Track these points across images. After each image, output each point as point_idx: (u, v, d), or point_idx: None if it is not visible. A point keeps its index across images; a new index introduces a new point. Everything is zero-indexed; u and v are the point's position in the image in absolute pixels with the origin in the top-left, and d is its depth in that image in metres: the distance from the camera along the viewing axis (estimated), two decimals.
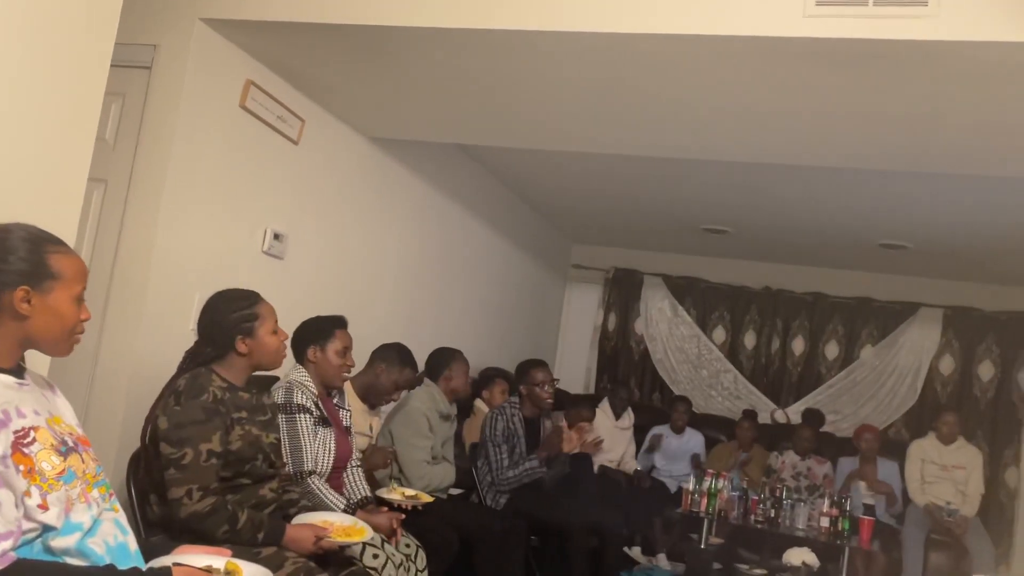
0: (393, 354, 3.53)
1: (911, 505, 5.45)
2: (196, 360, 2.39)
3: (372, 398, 3.51)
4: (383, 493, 3.16)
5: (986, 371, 6.48)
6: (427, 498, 3.23)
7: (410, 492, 3.24)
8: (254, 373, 2.48)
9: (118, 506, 1.71)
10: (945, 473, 5.46)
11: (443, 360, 3.94)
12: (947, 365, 6.59)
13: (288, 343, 2.57)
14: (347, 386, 3.27)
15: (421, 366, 3.86)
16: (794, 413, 6.74)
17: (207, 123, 3.15)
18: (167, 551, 1.80)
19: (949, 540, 5.19)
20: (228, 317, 2.40)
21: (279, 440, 2.55)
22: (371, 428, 3.51)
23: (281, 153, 3.59)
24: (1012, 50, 2.31)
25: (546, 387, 4.26)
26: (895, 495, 5.54)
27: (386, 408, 3.79)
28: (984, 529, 5.29)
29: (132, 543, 1.69)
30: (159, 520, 2.27)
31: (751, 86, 2.88)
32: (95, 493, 1.63)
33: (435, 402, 3.81)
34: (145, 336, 2.95)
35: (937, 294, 6.64)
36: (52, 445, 1.56)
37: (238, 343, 2.37)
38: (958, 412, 5.86)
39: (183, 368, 2.38)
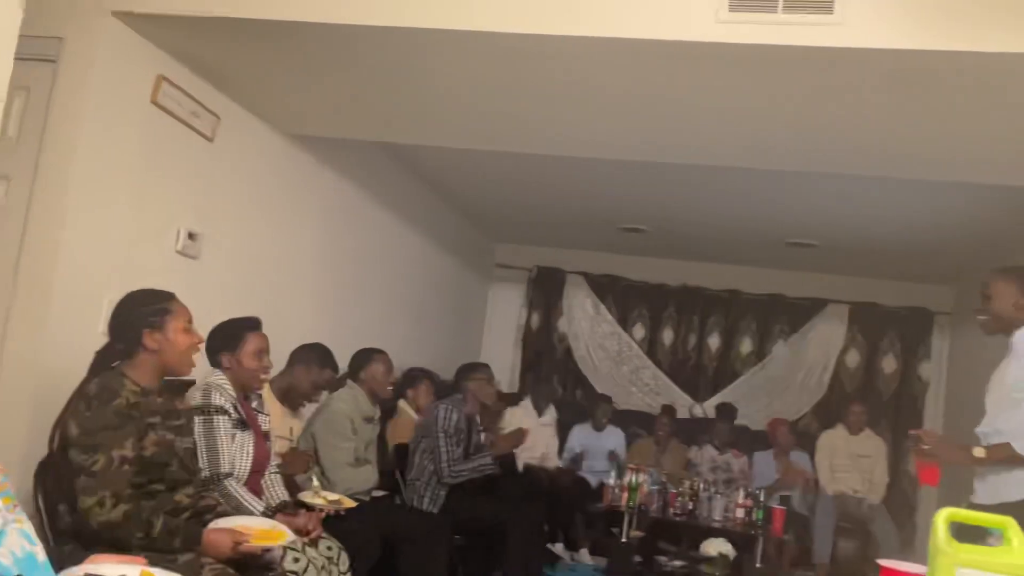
0: (312, 355, 3.49)
1: (821, 494, 5.68)
2: (106, 358, 2.33)
3: (292, 400, 3.46)
4: (305, 497, 3.11)
5: (889, 364, 6.79)
6: (349, 503, 3.19)
7: (332, 497, 3.20)
8: (167, 377, 2.42)
9: (23, 517, 1.65)
10: (853, 462, 5.71)
11: (365, 361, 3.91)
12: (853, 359, 6.89)
13: (203, 347, 2.50)
14: (265, 389, 3.22)
15: (343, 367, 3.83)
16: (711, 408, 6.93)
17: (116, 119, 3.05)
18: (79, 560, 1.75)
19: (856, 527, 5.43)
20: (138, 311, 2.34)
21: (195, 445, 2.49)
22: (291, 431, 3.46)
23: (195, 150, 3.51)
24: (912, 57, 2.44)
25: (491, 388, 4.47)
26: (815, 482, 5.77)
27: (307, 411, 3.74)
28: (888, 515, 5.54)
29: (40, 553, 1.64)
30: (70, 529, 2.19)
31: (666, 89, 2.95)
32: None
33: (358, 403, 3.79)
34: (52, 339, 2.84)
35: (843, 291, 6.92)
36: None
37: (146, 337, 2.31)
38: (865, 404, 6.14)
39: (94, 369, 2.31)
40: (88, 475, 2.11)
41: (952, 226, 5.09)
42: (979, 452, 2.61)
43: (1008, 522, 1.23)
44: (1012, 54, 2.34)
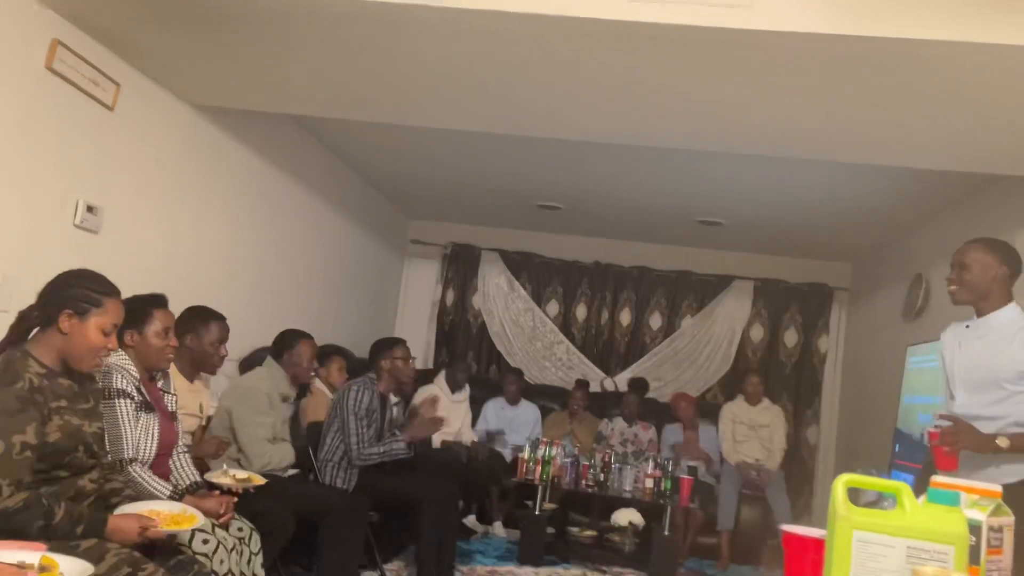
0: (193, 319, 3.35)
1: (724, 463, 5.89)
2: (23, 323, 2.24)
3: (203, 367, 3.36)
4: (213, 477, 3.04)
5: (790, 338, 7.07)
6: (259, 480, 3.13)
7: (241, 475, 3.13)
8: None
9: None
10: (753, 432, 5.94)
11: (291, 342, 3.84)
12: (757, 333, 7.13)
13: (110, 354, 2.37)
14: (171, 367, 3.11)
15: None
16: (622, 381, 7.07)
17: (7, 85, 2.88)
18: None
19: (758, 495, 5.66)
20: (72, 288, 2.24)
21: (103, 430, 2.40)
22: (201, 408, 3.37)
23: (94, 119, 3.35)
24: (818, 41, 2.52)
25: (409, 363, 4.33)
26: (711, 458, 5.97)
27: (217, 387, 3.65)
28: (784, 483, 5.79)
29: None
30: None
31: (576, 66, 2.97)
32: None
33: (275, 381, 3.72)
34: None
35: (748, 267, 7.15)
36: None
37: (63, 318, 2.21)
38: (763, 375, 6.38)
39: (9, 336, 2.22)
40: None
41: (850, 206, 5.31)
42: (1003, 442, 2.54)
43: (902, 487, 1.30)
44: (916, 40, 2.44)
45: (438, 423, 4.34)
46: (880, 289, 6.20)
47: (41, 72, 3.02)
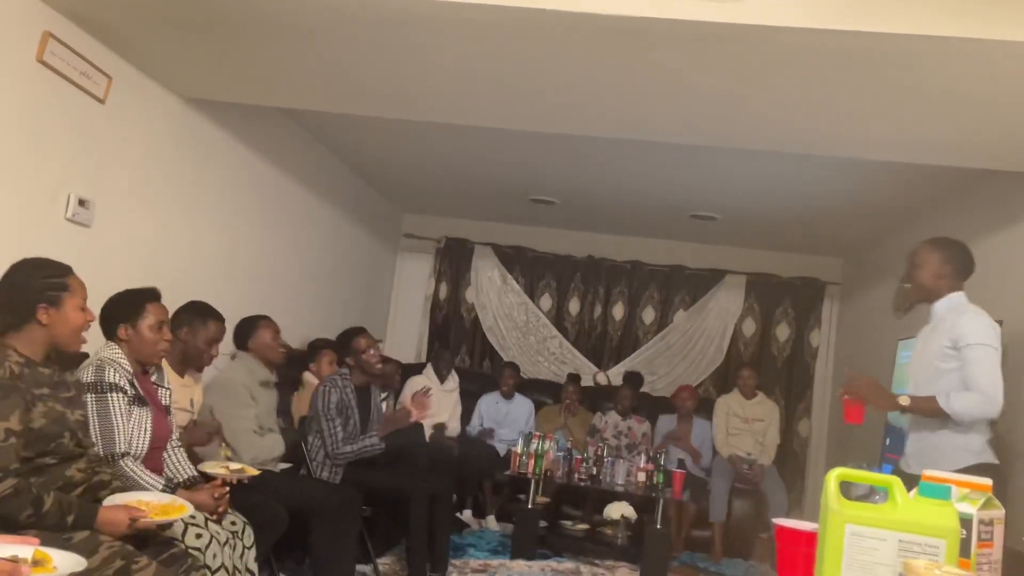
0: (192, 314, 3.36)
1: (717, 456, 5.91)
2: None
3: (192, 363, 3.36)
4: (206, 467, 3.05)
5: (782, 332, 7.09)
6: (253, 471, 3.14)
7: (235, 466, 3.14)
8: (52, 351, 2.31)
9: None
10: (746, 425, 5.96)
11: (250, 329, 3.84)
12: (749, 327, 7.15)
13: (95, 322, 2.40)
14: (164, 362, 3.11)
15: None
16: (615, 375, 7.08)
17: None
18: None
19: (750, 488, 5.68)
20: (34, 283, 2.24)
21: (85, 417, 2.40)
22: (192, 403, 3.37)
23: (85, 112, 3.33)
24: (810, 36, 2.53)
25: (372, 352, 4.21)
26: (700, 453, 5.98)
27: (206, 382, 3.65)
28: (779, 476, 5.81)
29: None
30: None
31: (569, 60, 2.97)
32: None
33: (252, 371, 3.72)
34: None
35: (741, 262, 7.16)
36: None
37: (40, 312, 2.22)
38: (756, 368, 6.40)
39: None
40: None
41: (842, 200, 5.32)
42: (904, 400, 2.74)
43: (893, 480, 1.31)
44: (907, 35, 2.45)
45: (407, 415, 4.24)
46: (872, 284, 6.22)
47: (32, 65, 3.01)
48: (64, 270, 2.32)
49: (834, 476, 1.33)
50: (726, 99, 3.18)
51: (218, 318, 3.38)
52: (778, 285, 7.10)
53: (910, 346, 4.67)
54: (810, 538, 1.42)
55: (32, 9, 2.96)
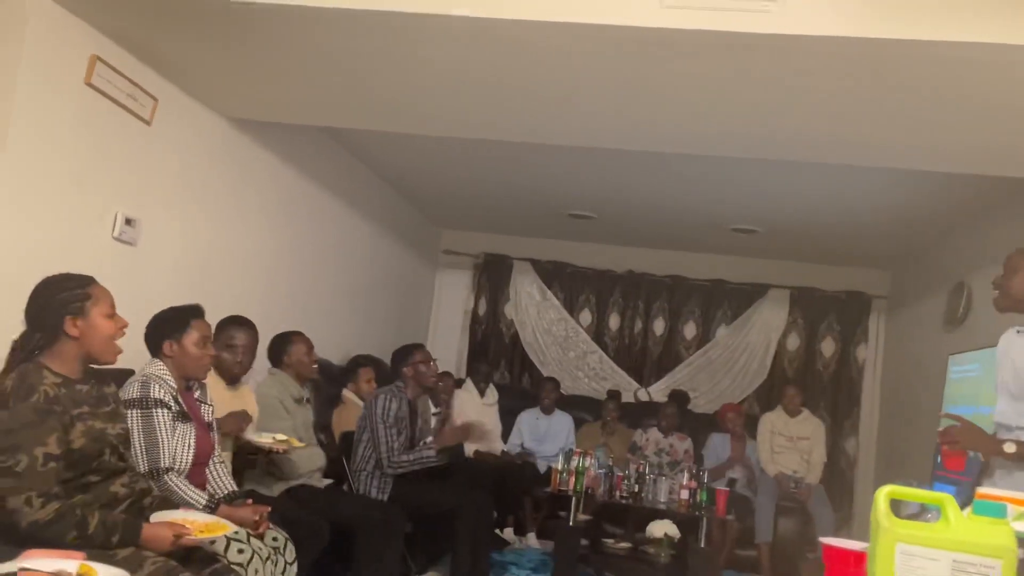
0: (220, 325, 3.44)
1: (762, 474, 5.80)
2: (25, 349, 2.22)
3: (225, 374, 3.41)
4: (253, 438, 3.14)
5: (828, 347, 6.96)
6: (298, 443, 3.21)
7: (281, 437, 3.22)
8: (92, 366, 2.34)
9: None
10: (791, 444, 5.85)
11: (282, 345, 3.87)
12: (793, 342, 7.03)
13: (125, 332, 2.37)
14: (211, 377, 3.15)
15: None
16: (655, 392, 7.01)
17: (48, 100, 2.94)
18: (12, 557, 1.68)
19: (796, 506, 5.57)
20: (57, 297, 2.24)
21: (126, 430, 2.42)
22: (245, 416, 3.41)
23: (132, 133, 3.41)
24: (849, 45, 2.49)
25: (432, 365, 4.31)
26: (755, 473, 5.89)
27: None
28: (826, 495, 5.69)
29: None
30: (1, 528, 2.11)
31: (610, 74, 2.96)
32: None
33: (285, 387, 3.75)
34: None
35: (784, 275, 7.06)
36: None
37: (68, 324, 2.22)
38: (801, 386, 6.28)
39: (12, 361, 2.21)
40: (11, 476, 2.02)
41: (888, 212, 5.22)
42: (1010, 448, 2.49)
43: (946, 499, 1.27)
44: (950, 42, 2.40)
45: (467, 430, 4.34)
46: (920, 297, 6.08)
47: (81, 88, 3.08)
48: (86, 280, 2.30)
49: (884, 493, 1.29)
50: (765, 110, 3.14)
51: (245, 326, 3.42)
52: (822, 299, 6.98)
53: (962, 361, 4.56)
54: (859, 558, 1.38)
55: (81, 33, 3.04)
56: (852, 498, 6.64)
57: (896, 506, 1.34)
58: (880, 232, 5.73)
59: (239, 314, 3.48)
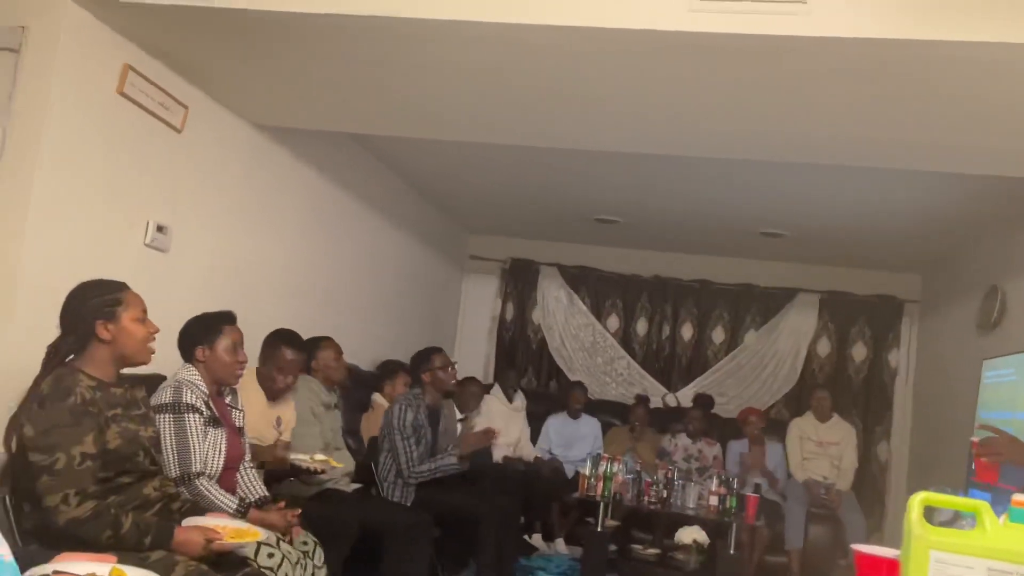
0: (268, 341, 3.48)
1: (792, 480, 5.73)
2: (59, 353, 2.27)
3: (266, 389, 3.44)
4: (293, 458, 3.19)
5: (859, 352, 6.87)
6: (337, 464, 3.24)
7: (320, 457, 3.28)
8: (125, 369, 2.38)
9: None
10: (821, 449, 5.77)
11: (313, 350, 3.90)
12: (823, 347, 6.94)
13: (156, 336, 2.42)
14: (245, 382, 3.18)
15: None
16: (684, 397, 6.96)
17: (81, 109, 2.99)
18: (46, 560, 1.71)
19: (827, 513, 5.49)
20: (89, 302, 2.29)
21: (157, 434, 2.47)
22: (279, 421, 3.44)
23: (163, 141, 3.45)
24: (878, 46, 2.46)
25: (450, 370, 4.28)
26: (777, 479, 5.82)
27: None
28: (857, 501, 5.61)
29: (6, 553, 1.60)
30: (35, 529, 2.15)
31: (637, 78, 2.95)
32: None
33: (313, 393, 3.77)
34: (15, 336, 2.78)
35: (813, 280, 6.97)
36: None
37: (99, 328, 2.27)
38: (831, 390, 6.20)
39: (47, 365, 2.26)
40: (49, 474, 2.07)
41: (919, 215, 5.15)
42: None
43: (982, 506, 1.25)
44: (981, 43, 2.36)
45: (489, 435, 4.31)
46: (953, 301, 5.98)
47: (113, 97, 3.13)
48: (117, 286, 2.36)
49: (918, 500, 1.27)
50: (794, 113, 3.11)
51: (294, 345, 3.44)
52: (854, 303, 6.89)
53: (996, 365, 4.47)
54: (892, 565, 1.36)
55: (113, 43, 3.08)
56: (884, 504, 6.54)
57: (928, 513, 1.32)
58: (911, 235, 5.65)
59: (291, 329, 3.51)
